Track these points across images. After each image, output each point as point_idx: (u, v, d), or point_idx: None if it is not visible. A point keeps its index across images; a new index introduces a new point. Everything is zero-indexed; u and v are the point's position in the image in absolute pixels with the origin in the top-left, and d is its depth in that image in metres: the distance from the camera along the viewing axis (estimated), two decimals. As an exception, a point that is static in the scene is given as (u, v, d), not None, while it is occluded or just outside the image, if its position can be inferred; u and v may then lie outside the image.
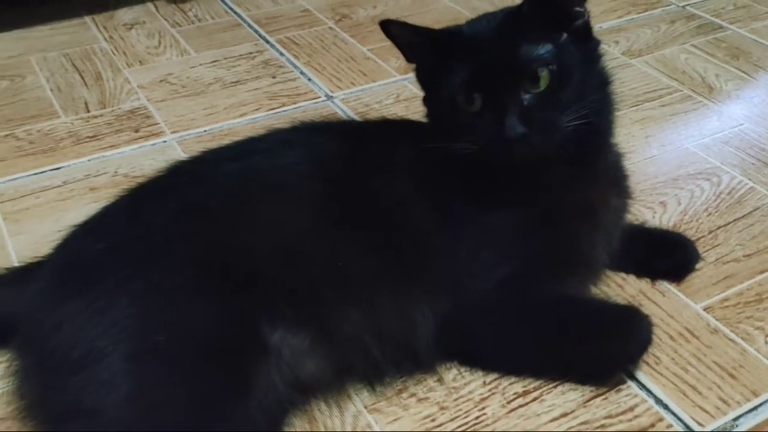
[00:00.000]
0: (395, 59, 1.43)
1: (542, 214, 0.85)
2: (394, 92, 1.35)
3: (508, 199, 0.84)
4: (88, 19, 1.59)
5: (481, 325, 0.84)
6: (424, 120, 0.89)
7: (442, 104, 0.85)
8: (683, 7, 1.63)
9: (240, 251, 0.79)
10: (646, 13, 1.59)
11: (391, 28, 0.85)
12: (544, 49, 0.80)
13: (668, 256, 0.99)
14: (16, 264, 0.99)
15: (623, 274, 0.98)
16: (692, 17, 1.58)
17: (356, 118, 1.27)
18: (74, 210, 1.09)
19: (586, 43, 0.85)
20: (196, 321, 0.74)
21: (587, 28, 0.85)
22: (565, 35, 0.82)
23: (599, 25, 1.55)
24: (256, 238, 0.80)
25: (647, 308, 0.93)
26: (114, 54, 1.47)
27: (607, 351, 0.84)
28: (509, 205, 0.84)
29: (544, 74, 0.79)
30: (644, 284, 0.97)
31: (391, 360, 0.83)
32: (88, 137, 1.24)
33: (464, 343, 0.84)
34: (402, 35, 0.87)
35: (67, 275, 0.79)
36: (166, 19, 1.59)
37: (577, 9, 0.83)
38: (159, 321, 0.74)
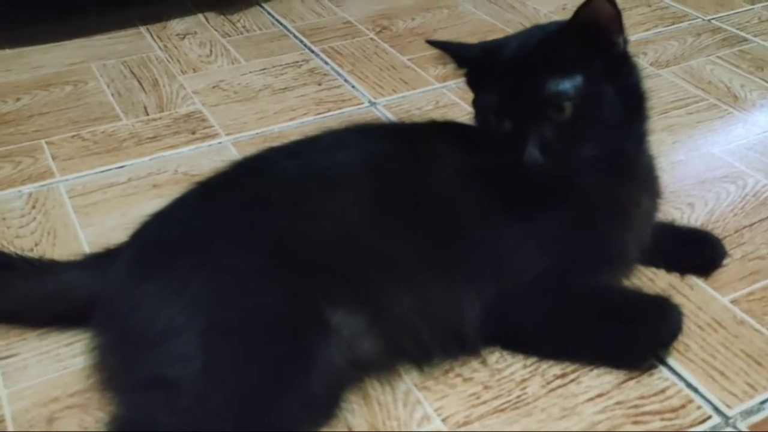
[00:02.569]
0: (433, 68, 1.50)
1: (579, 213, 0.92)
2: (434, 99, 1.42)
3: (547, 199, 0.91)
4: (143, 29, 1.68)
5: (522, 312, 0.90)
6: (471, 122, 0.97)
7: (480, 118, 0.93)
8: (708, 20, 1.69)
9: (303, 239, 0.86)
10: (673, 26, 1.66)
11: (438, 45, 0.96)
12: (572, 82, 0.85)
13: (697, 252, 1.05)
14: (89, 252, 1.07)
15: (654, 269, 1.04)
16: (717, 30, 1.65)
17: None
18: (139, 204, 1.16)
19: (622, 68, 0.90)
20: (265, 301, 0.81)
21: (624, 55, 0.90)
22: (598, 63, 0.87)
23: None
24: (317, 228, 0.87)
25: (677, 300, 0.98)
26: (169, 62, 1.56)
27: (639, 336, 0.90)
28: (548, 204, 0.91)
29: (567, 107, 0.85)
30: (674, 278, 1.03)
31: (439, 343, 0.90)
32: (149, 138, 1.32)
33: (507, 328, 0.91)
34: (448, 49, 0.96)
35: (146, 258, 0.87)
36: (216, 30, 1.68)
37: (615, 39, 0.88)
38: (231, 300, 0.81)
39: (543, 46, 0.89)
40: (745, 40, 1.61)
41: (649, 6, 1.75)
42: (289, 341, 0.81)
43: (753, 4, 1.76)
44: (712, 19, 1.70)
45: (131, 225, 1.09)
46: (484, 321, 0.90)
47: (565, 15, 1.74)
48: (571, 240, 0.91)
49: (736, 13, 1.72)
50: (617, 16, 0.87)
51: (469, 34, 1.64)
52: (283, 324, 0.81)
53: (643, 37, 1.62)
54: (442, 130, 1.02)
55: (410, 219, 0.90)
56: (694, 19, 1.70)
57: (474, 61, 0.94)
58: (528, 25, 1.73)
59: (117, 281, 0.87)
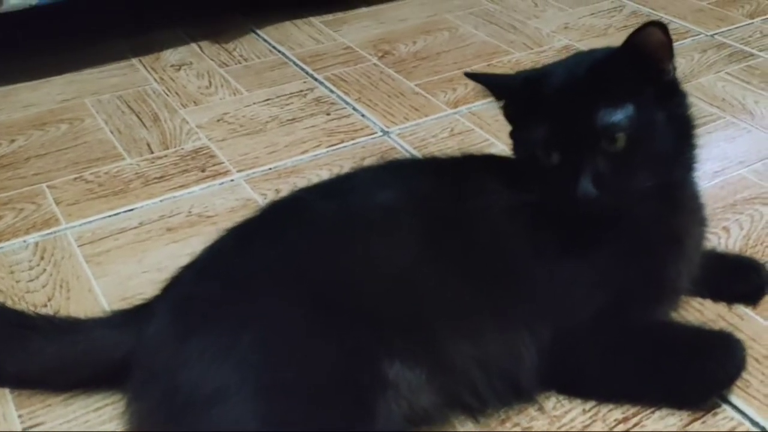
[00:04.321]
0: (443, 93, 1.47)
1: (633, 246, 0.88)
2: (448, 126, 1.38)
3: (599, 233, 0.87)
4: (135, 61, 1.62)
5: (579, 354, 0.86)
6: (510, 154, 0.93)
7: (524, 150, 0.90)
8: (712, 36, 1.68)
9: (352, 288, 0.81)
10: (678, 43, 1.65)
11: (476, 78, 0.92)
12: (624, 113, 0.82)
13: (743, 280, 1.02)
14: (106, 306, 1.01)
15: (700, 299, 1.01)
16: (722, 46, 1.64)
17: (415, 152, 1.31)
18: (155, 250, 1.11)
19: (672, 96, 0.88)
20: (319, 357, 0.77)
21: (674, 83, 0.88)
22: (649, 91, 0.85)
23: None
24: (366, 275, 0.83)
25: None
26: (167, 95, 1.50)
27: (704, 374, 0.87)
28: (601, 238, 0.87)
29: (620, 138, 0.82)
30: (721, 308, 1.00)
31: (496, 391, 0.85)
32: (156, 178, 1.26)
33: (563, 371, 0.87)
34: (486, 81, 0.92)
35: (187, 314, 0.81)
36: (212, 59, 1.63)
37: (665, 67, 0.86)
38: (284, 358, 0.76)
39: (592, 75, 0.86)
40: (752, 55, 1.60)
41: (650, 23, 1.74)
42: (348, 401, 0.76)
43: (752, 18, 1.75)
44: (715, 34, 1.69)
45: (149, 273, 1.06)
46: (540, 364, 0.86)
47: (568, 34, 1.74)
48: (627, 274, 0.88)
49: (737, 27, 1.71)
50: (669, 43, 0.85)
51: (473, 57, 1.60)
52: (340, 382, 0.77)
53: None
54: (482, 164, 0.99)
55: (461, 261, 0.86)
56: (696, 35, 1.69)
57: (515, 92, 0.91)
58: (532, 45, 1.73)
59: (157, 339, 0.81)
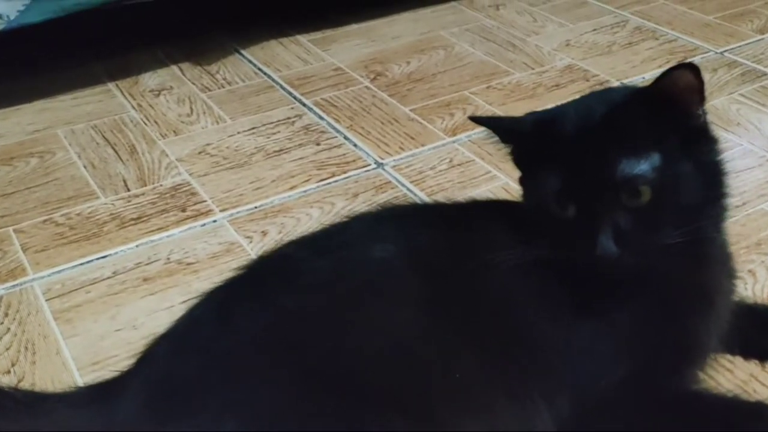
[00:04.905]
0: (440, 120, 1.38)
1: (658, 305, 0.79)
2: (446, 156, 1.29)
3: (620, 291, 0.78)
4: (111, 85, 1.52)
5: (603, 428, 0.77)
6: (520, 201, 0.84)
7: (536, 200, 0.80)
8: (722, 53, 1.60)
9: (347, 363, 0.72)
10: (686, 61, 1.56)
11: (482, 121, 0.83)
12: (648, 163, 0.74)
13: (775, 334, 0.94)
14: (75, 372, 0.92)
15: (729, 357, 0.92)
16: (733, 64, 1.55)
17: (411, 186, 1.21)
18: (130, 305, 1.01)
19: (701, 142, 0.79)
20: None
21: (704, 127, 0.79)
22: (675, 138, 0.76)
23: (641, 76, 1.51)
24: (361, 347, 0.73)
25: (761, 393, 0.88)
26: (145, 124, 1.40)
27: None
28: (623, 297, 0.78)
29: (645, 191, 0.74)
30: (754, 367, 0.91)
31: (510, 472, 0.77)
32: (133, 219, 1.16)
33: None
34: (493, 125, 0.83)
35: (161, 398, 0.72)
36: (194, 83, 1.53)
37: (695, 111, 0.77)
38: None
39: (611, 120, 0.76)
40: (765, 74, 1.51)
41: (656, 39, 1.65)
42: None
43: (762, 33, 1.67)
44: (725, 51, 1.60)
45: (123, 332, 0.97)
46: (561, 442, 0.77)
47: (570, 52, 1.65)
48: (654, 337, 0.79)
49: (747, 44, 1.63)
50: (700, 86, 0.76)
51: (471, 78, 1.51)
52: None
53: (657, 74, 1.51)
54: (489, 213, 0.89)
55: (468, 327, 0.77)
56: (706, 53, 1.60)
57: (526, 137, 0.81)
58: (533, 65, 1.64)
59: (130, 422, 0.71)
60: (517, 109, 1.40)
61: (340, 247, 0.83)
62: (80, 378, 0.91)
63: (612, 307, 0.78)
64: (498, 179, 1.22)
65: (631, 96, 0.78)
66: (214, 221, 1.16)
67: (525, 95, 1.46)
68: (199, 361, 0.73)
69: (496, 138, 0.84)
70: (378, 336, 0.74)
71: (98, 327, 0.98)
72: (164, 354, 0.76)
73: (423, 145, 1.32)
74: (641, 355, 0.78)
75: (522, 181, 0.84)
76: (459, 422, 0.73)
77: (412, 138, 1.34)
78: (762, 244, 1.10)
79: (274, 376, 0.71)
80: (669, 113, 0.75)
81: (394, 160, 1.29)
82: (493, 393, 0.75)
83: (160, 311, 0.99)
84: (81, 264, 1.08)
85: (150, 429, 0.70)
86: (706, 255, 0.83)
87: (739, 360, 0.92)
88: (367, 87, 1.50)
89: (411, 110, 1.42)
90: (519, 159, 0.84)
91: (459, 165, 1.27)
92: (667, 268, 0.79)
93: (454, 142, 1.32)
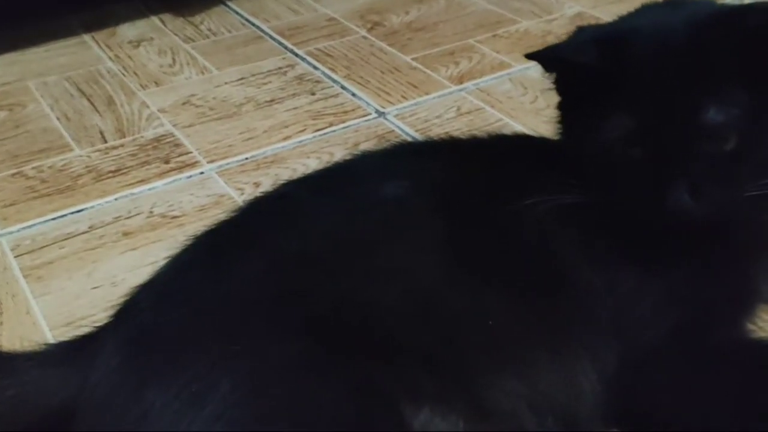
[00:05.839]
0: (444, 68, 1.27)
1: (718, 251, 0.70)
2: (453, 105, 1.19)
3: (677, 237, 0.68)
4: (87, 37, 1.41)
5: (654, 382, 0.68)
6: (556, 134, 0.74)
7: (588, 138, 0.68)
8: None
9: (361, 310, 0.63)
10: None
11: (539, 58, 0.70)
12: (736, 110, 0.63)
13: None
14: (47, 333, 0.82)
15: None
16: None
17: (417, 136, 1.11)
18: (109, 260, 0.91)
19: None
20: (321, 405, 0.58)
21: None
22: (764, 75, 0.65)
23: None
24: (378, 292, 0.64)
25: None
26: (124, 75, 1.29)
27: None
28: (677, 243, 0.68)
29: (731, 138, 0.63)
30: (805, 317, 0.82)
31: (548, 433, 0.67)
32: (111, 172, 1.06)
33: (634, 404, 0.68)
34: (555, 59, 0.70)
35: (145, 352, 0.62)
36: (176, 34, 1.42)
37: None
38: (274, 408, 0.58)
39: (699, 48, 0.64)
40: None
41: None
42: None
43: None
44: None
45: (101, 289, 0.87)
46: (605, 397, 0.67)
47: (579, 0, 1.55)
48: (710, 283, 0.70)
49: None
50: None
51: (475, 27, 1.40)
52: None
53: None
54: (516, 149, 0.79)
55: (499, 273, 0.67)
56: None
57: (586, 66, 0.68)
58: (540, 13, 1.53)
59: (106, 386, 0.61)
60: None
61: (347, 186, 0.74)
62: (53, 339, 0.80)
63: (663, 251, 0.69)
64: (511, 127, 1.12)
65: (723, 18, 0.66)
66: (201, 173, 1.05)
67: (534, 43, 1.35)
68: (187, 311, 0.63)
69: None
70: (395, 282, 0.65)
71: (73, 285, 0.88)
72: (146, 304, 0.66)
73: (427, 94, 1.22)
74: (695, 303, 0.69)
75: (566, 112, 0.73)
76: (494, 378, 0.64)
77: (416, 87, 1.24)
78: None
79: (274, 326, 0.61)
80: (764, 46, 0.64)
81: (396, 108, 1.18)
82: (530, 346, 0.66)
83: (143, 267, 0.88)
84: (53, 219, 0.97)
85: (129, 389, 0.60)
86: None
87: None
88: (364, 37, 1.40)
89: (413, 59, 1.31)
90: (566, 89, 0.72)
91: (467, 113, 1.17)
92: (733, 218, 0.69)
93: (461, 90, 1.22)
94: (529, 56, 0.69)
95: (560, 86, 0.72)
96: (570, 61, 0.68)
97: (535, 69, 0.77)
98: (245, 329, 0.61)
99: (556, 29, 1.40)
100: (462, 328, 0.64)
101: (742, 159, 0.64)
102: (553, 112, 0.75)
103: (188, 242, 0.71)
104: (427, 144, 0.84)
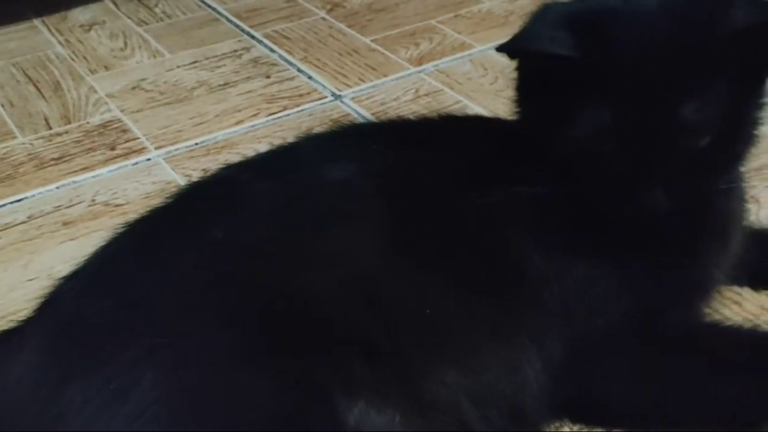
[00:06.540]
0: (404, 49, 1.24)
1: (671, 236, 0.67)
2: (411, 87, 1.16)
3: (629, 224, 0.65)
4: (37, 21, 1.36)
5: (602, 371, 0.66)
6: (512, 114, 0.70)
7: (553, 128, 0.64)
8: None
9: (297, 299, 0.60)
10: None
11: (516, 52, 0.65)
12: (715, 105, 0.60)
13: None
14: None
15: (737, 289, 0.81)
16: None
17: (372, 119, 1.08)
18: (46, 251, 0.88)
19: (758, 88, 0.64)
20: (250, 399, 0.55)
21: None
22: (749, 70, 0.62)
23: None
24: (316, 280, 0.61)
25: (776, 328, 0.76)
26: (73, 60, 1.24)
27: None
28: (631, 228, 0.66)
29: (706, 138, 0.61)
30: (764, 298, 0.80)
31: (492, 428, 0.64)
32: (54, 159, 1.02)
33: (582, 394, 0.66)
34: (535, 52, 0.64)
35: (66, 346, 0.59)
36: (129, 17, 1.37)
37: None
38: (199, 404, 0.55)
39: (677, 41, 0.60)
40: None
41: None
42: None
43: None
44: None
45: (37, 281, 0.84)
46: (551, 388, 0.65)
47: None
48: (664, 268, 0.67)
49: None
50: None
51: (437, 8, 1.37)
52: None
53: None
54: (469, 130, 0.76)
55: (444, 261, 0.64)
56: None
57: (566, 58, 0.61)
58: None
59: (26, 382, 0.58)
60: (489, 38, 1.27)
61: (291, 169, 0.70)
62: (-18, 335, 0.77)
63: (617, 238, 0.66)
64: (470, 108, 1.09)
65: (704, 5, 0.61)
66: (148, 159, 1.02)
67: (496, 23, 1.33)
68: (113, 302, 0.60)
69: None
70: (335, 269, 0.61)
71: (8, 276, 0.84)
72: (71, 295, 0.63)
73: (385, 76, 1.19)
74: (648, 288, 0.67)
75: (528, 98, 0.68)
76: (435, 367, 0.61)
77: (374, 69, 1.21)
78: (764, 169, 0.98)
79: (203, 317, 0.58)
80: (754, 38, 0.60)
81: (353, 91, 1.15)
82: (474, 335, 0.63)
83: (81, 258, 0.84)
84: (-9, 208, 0.94)
85: (51, 384, 0.56)
86: (731, 192, 0.71)
87: (747, 292, 0.81)
88: (323, 18, 1.36)
89: (372, 41, 1.28)
90: (532, 75, 0.66)
91: (426, 95, 1.14)
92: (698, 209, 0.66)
93: (420, 71, 1.19)
94: (501, 49, 0.64)
95: (524, 72, 0.67)
96: (544, 53, 0.63)
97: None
98: (173, 321, 0.58)
99: (519, 9, 1.37)
100: (402, 318, 0.61)
101: (716, 154, 0.61)
102: (512, 93, 0.72)
103: (118, 230, 0.68)
104: (376, 126, 0.81)
